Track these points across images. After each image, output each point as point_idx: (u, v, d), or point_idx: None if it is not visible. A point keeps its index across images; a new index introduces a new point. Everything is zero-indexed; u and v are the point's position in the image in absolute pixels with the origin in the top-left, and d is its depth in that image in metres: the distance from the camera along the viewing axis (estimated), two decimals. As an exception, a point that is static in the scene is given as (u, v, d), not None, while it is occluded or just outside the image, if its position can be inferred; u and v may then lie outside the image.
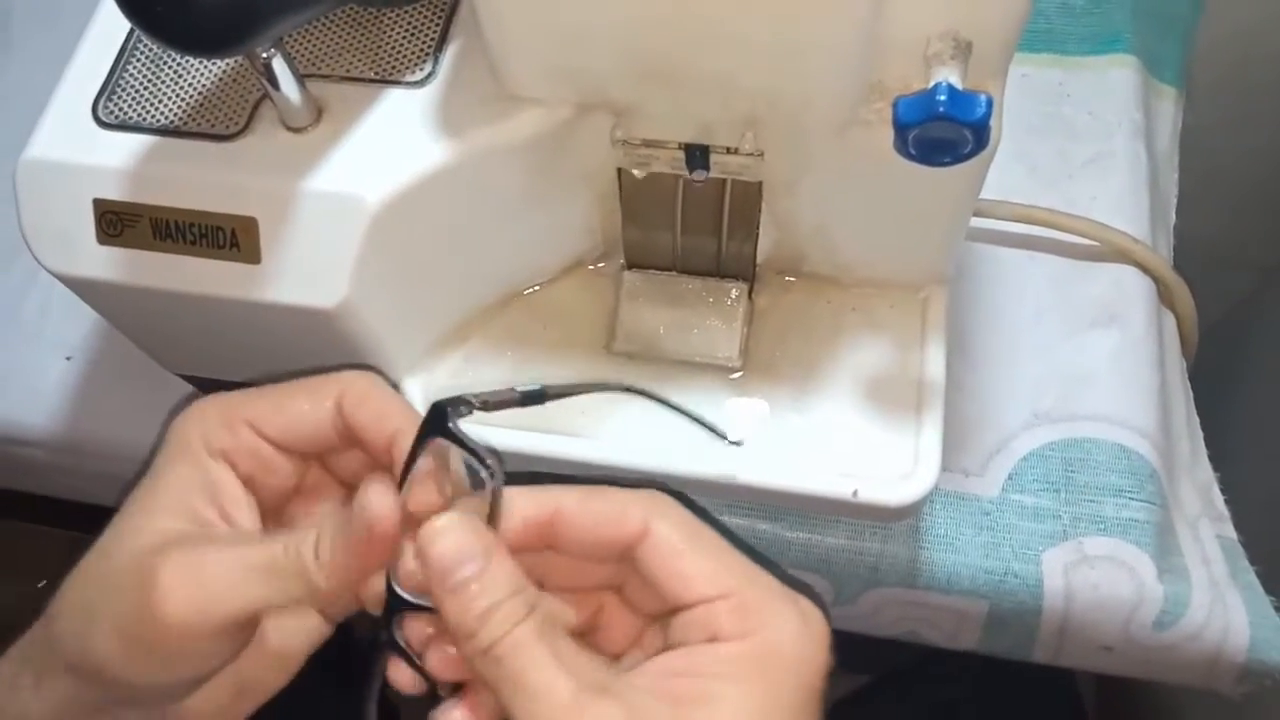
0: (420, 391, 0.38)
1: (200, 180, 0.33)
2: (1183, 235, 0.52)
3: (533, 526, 0.25)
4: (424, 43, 0.34)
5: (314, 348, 0.35)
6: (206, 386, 0.44)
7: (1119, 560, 0.42)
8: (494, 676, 0.23)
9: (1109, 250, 0.47)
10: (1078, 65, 0.53)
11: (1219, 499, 0.46)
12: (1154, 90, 0.53)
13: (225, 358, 0.39)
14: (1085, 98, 0.52)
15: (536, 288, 0.41)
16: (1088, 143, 0.51)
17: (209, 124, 0.33)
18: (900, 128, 0.28)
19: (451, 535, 0.23)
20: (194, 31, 0.26)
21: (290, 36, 0.35)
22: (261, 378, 0.30)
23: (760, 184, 0.35)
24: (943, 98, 0.27)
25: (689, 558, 0.24)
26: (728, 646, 0.23)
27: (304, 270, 0.32)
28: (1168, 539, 0.43)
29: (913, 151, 0.29)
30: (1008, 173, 0.50)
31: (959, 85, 0.27)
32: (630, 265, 0.40)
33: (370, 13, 0.35)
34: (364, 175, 0.32)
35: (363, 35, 0.35)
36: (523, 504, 0.25)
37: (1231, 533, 0.45)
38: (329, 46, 0.34)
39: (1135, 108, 0.51)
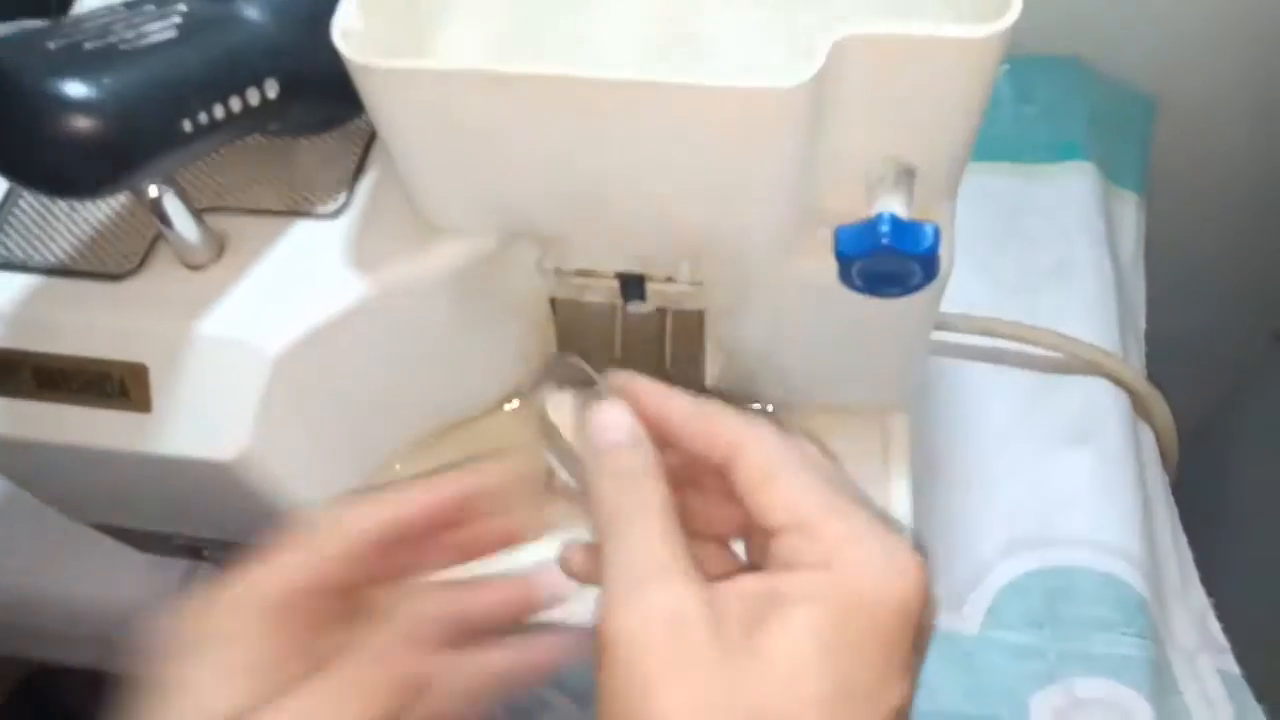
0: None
1: (87, 324, 0.30)
2: (1153, 339, 0.50)
3: (650, 419, 0.25)
4: (339, 172, 0.32)
5: (218, 497, 0.32)
6: (119, 535, 0.41)
7: (1113, 703, 0.39)
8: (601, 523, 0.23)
9: (1078, 363, 0.45)
10: (1034, 173, 0.52)
11: (1216, 627, 0.43)
12: (1114, 196, 0.52)
13: (129, 507, 0.36)
14: (1044, 206, 0.51)
15: (470, 419, 0.38)
16: (1049, 252, 0.49)
17: (100, 262, 0.31)
18: (842, 259, 0.26)
19: (611, 408, 0.25)
20: (58, 174, 0.23)
21: (193, 167, 0.33)
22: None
23: (702, 312, 0.33)
24: (885, 229, 0.25)
25: (770, 484, 0.23)
26: (799, 575, 0.21)
27: (199, 420, 0.29)
28: (1164, 677, 0.40)
29: (858, 284, 0.27)
30: (967, 285, 0.48)
31: (904, 213, 0.25)
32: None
33: (283, 142, 0.33)
34: (265, 318, 0.29)
35: (274, 165, 0.32)
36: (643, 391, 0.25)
37: (1234, 666, 0.42)
38: (236, 177, 0.32)
39: (1096, 214, 0.50)
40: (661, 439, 0.25)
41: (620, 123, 0.24)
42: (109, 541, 0.42)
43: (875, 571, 0.21)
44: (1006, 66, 0.54)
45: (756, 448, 0.23)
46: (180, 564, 0.44)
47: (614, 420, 0.25)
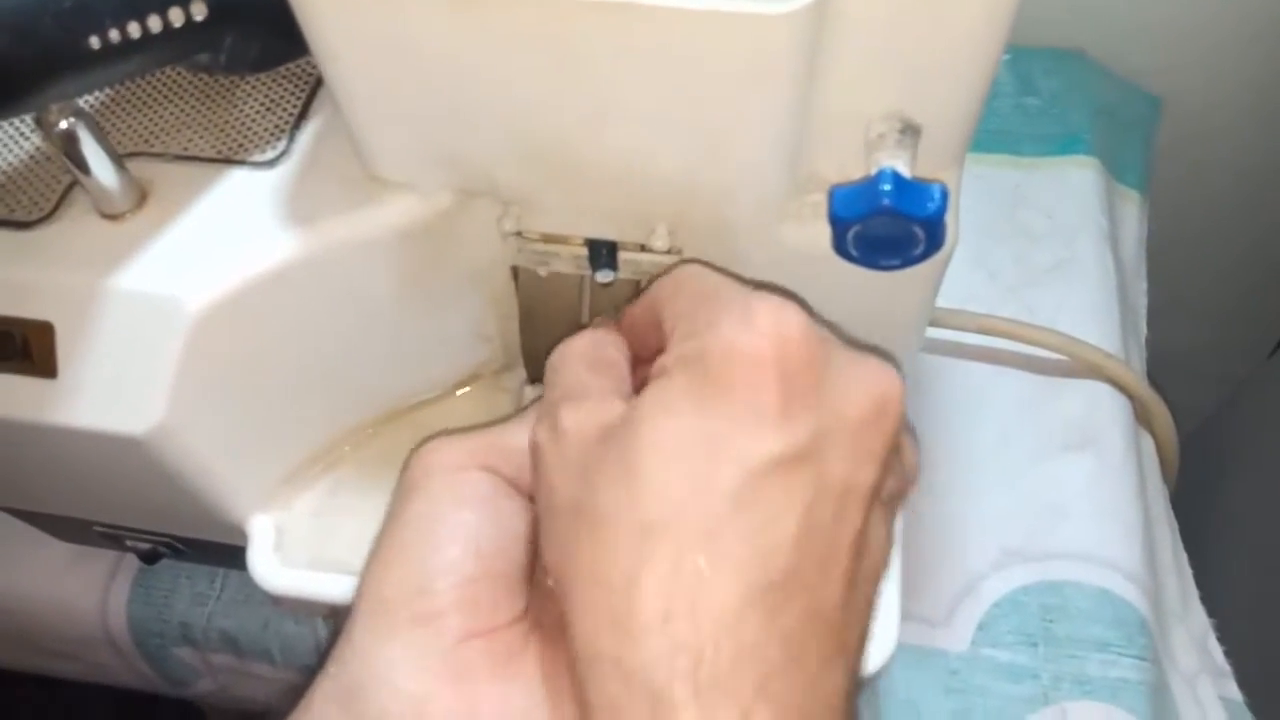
0: (273, 533, 0.32)
1: (-14, 276, 0.26)
2: (1150, 345, 0.48)
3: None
4: (280, 118, 0.29)
5: (135, 477, 0.29)
6: (32, 520, 0.37)
7: (1110, 730, 0.36)
8: None
9: (1079, 365, 0.43)
10: (1034, 166, 0.49)
11: (1217, 651, 0.40)
12: (1117, 193, 0.50)
13: (34, 487, 0.33)
14: (1044, 201, 0.48)
15: (424, 402, 0.35)
16: (1049, 248, 0.47)
17: (9, 209, 0.28)
18: (837, 223, 0.23)
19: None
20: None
21: (120, 108, 0.29)
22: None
23: (680, 288, 0.30)
24: (887, 187, 0.22)
25: (666, 300, 0.23)
26: (669, 352, 0.22)
27: (109, 388, 0.26)
28: (1163, 702, 0.37)
29: (854, 252, 0.24)
30: (965, 280, 0.45)
31: (906, 173, 0.23)
32: (533, 379, 0.34)
33: (220, 82, 0.30)
34: (186, 272, 0.26)
35: (208, 108, 0.29)
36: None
37: (1235, 692, 0.39)
38: (165, 120, 0.29)
39: (1099, 211, 0.47)
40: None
41: (590, 52, 0.21)
42: (26, 529, 0.38)
43: (726, 325, 0.20)
44: (1008, 56, 0.52)
45: (673, 276, 0.24)
46: (107, 555, 0.40)
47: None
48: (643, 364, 0.25)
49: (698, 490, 0.19)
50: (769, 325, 0.20)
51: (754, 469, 0.19)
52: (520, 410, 0.26)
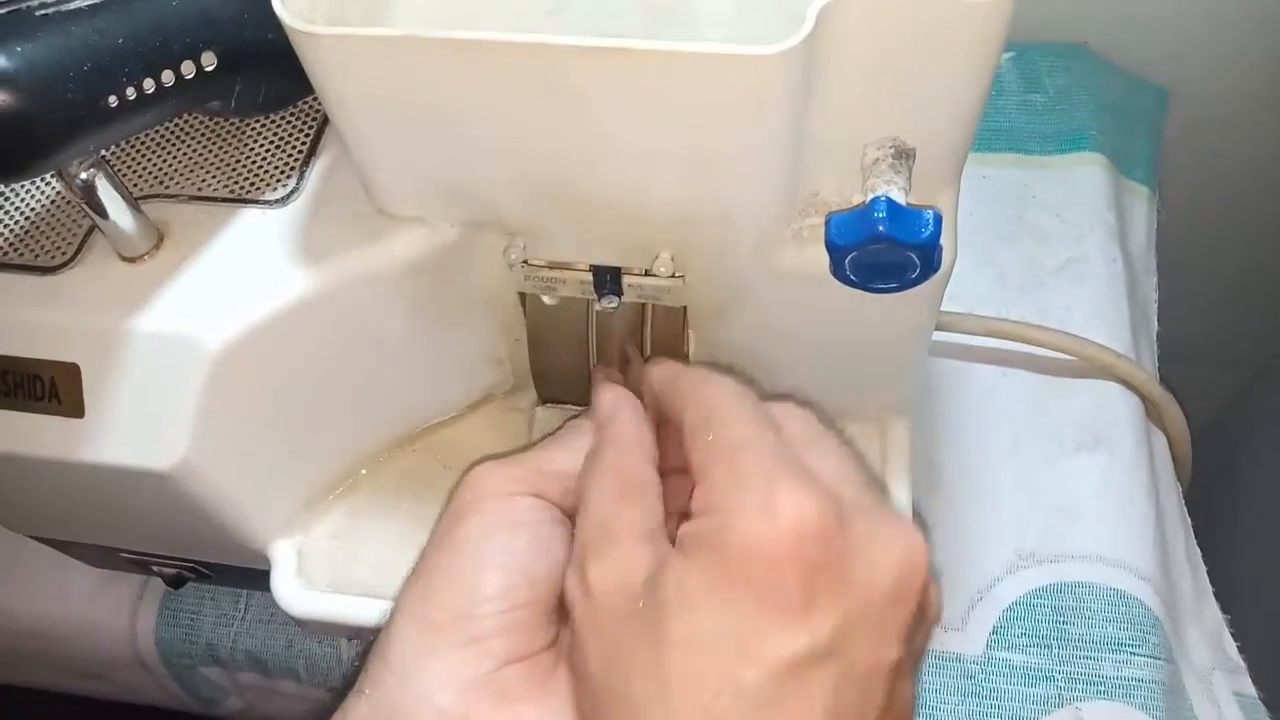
0: (295, 557, 0.32)
1: (14, 321, 0.27)
2: (1161, 340, 0.48)
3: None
4: (290, 156, 0.30)
5: (160, 509, 0.30)
6: (64, 548, 0.38)
7: (1125, 729, 0.36)
8: None
9: (1089, 365, 0.43)
10: (1041, 164, 0.49)
11: (1232, 646, 0.40)
12: (1125, 189, 0.50)
13: (66, 519, 0.34)
14: (1052, 199, 0.48)
15: (438, 425, 0.35)
16: (1058, 247, 0.47)
17: (33, 254, 0.28)
18: (834, 251, 0.23)
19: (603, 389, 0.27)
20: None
21: (134, 151, 0.30)
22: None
23: (684, 309, 0.30)
24: (881, 215, 0.22)
25: (698, 434, 0.23)
26: (689, 523, 0.21)
27: (135, 425, 0.27)
28: (1178, 700, 0.37)
29: (852, 277, 0.24)
30: (973, 281, 0.46)
31: (901, 199, 0.23)
32: (544, 400, 0.35)
33: (229, 124, 0.30)
34: (204, 312, 0.27)
35: (219, 149, 0.30)
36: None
37: (1250, 688, 0.39)
38: (177, 162, 0.30)
39: (1107, 208, 0.47)
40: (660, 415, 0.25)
41: (590, 95, 0.22)
42: (56, 555, 0.39)
43: (746, 516, 0.20)
44: (1012, 54, 0.52)
45: (703, 399, 0.23)
46: (134, 579, 0.41)
47: (603, 398, 0.26)
48: (666, 436, 0.25)
49: (724, 690, 0.19)
50: (789, 518, 0.20)
51: (778, 668, 0.19)
52: (557, 430, 0.27)
